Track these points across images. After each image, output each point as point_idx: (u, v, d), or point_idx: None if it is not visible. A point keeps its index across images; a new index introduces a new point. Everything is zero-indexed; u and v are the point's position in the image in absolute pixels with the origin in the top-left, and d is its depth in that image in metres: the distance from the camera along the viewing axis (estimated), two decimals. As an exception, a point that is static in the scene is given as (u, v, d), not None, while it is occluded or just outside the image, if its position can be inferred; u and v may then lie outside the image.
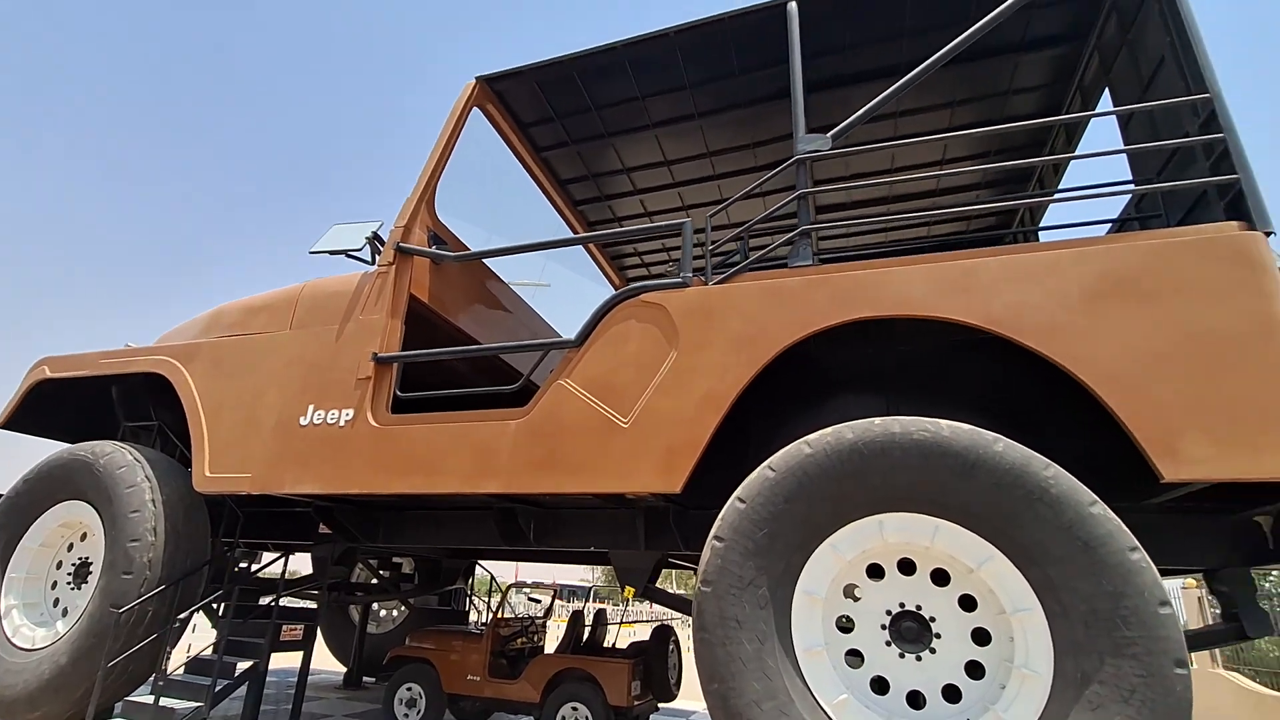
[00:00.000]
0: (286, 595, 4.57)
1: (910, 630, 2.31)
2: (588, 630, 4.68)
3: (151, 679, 3.37)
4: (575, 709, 3.91)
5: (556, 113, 4.25)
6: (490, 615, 4.53)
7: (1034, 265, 2.45)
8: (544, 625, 5.07)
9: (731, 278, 2.86)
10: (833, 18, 3.47)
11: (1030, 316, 2.38)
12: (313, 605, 4.43)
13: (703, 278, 2.93)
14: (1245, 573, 2.51)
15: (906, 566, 2.39)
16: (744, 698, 2.22)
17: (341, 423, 3.34)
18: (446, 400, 3.54)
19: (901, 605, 2.34)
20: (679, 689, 4.53)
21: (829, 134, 2.98)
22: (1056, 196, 3.31)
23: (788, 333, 2.64)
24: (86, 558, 3.83)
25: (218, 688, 3.31)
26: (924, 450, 2.25)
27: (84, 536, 3.93)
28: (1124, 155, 3.29)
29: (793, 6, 3.30)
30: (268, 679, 6.06)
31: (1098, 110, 3.25)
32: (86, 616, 3.40)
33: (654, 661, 4.29)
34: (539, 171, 4.76)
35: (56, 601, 3.84)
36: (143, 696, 3.23)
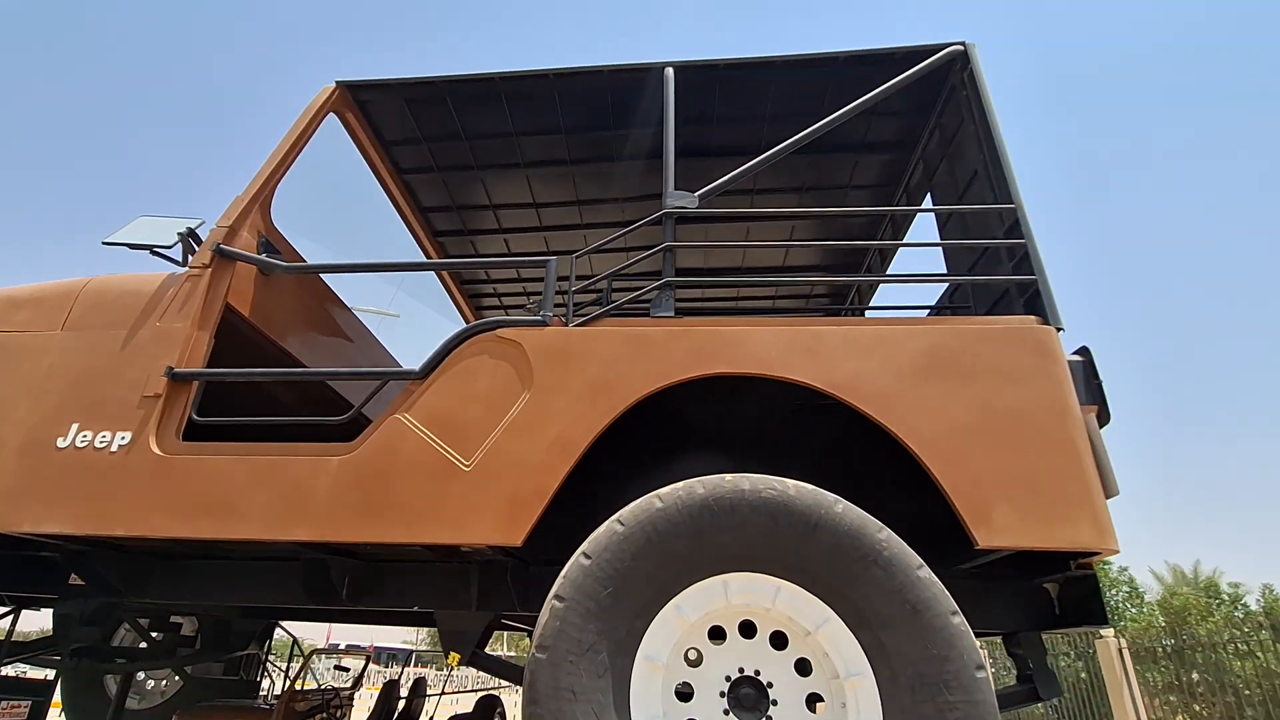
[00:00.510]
0: (14, 662, 3.63)
1: (748, 697, 2.25)
2: (402, 702, 4.17)
3: None
4: (377, 797, 3.40)
5: (424, 135, 4.04)
6: (285, 686, 3.89)
7: (871, 337, 2.61)
8: (351, 697, 4.45)
9: (592, 321, 2.79)
10: (704, 91, 3.65)
11: (868, 384, 2.51)
12: (48, 675, 3.54)
13: (563, 319, 2.82)
14: (1037, 637, 2.75)
15: (747, 629, 2.35)
16: (573, 779, 2.02)
17: (114, 447, 2.77)
18: (255, 431, 3.07)
19: (741, 670, 2.28)
20: (501, 766, 4.14)
21: (696, 194, 3.05)
22: (887, 277, 3.64)
23: (646, 382, 2.58)
24: None
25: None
26: (771, 509, 2.25)
27: None
28: (941, 253, 3.73)
29: (669, 71, 3.42)
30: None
31: (922, 208, 3.65)
32: None
33: (475, 736, 3.89)
34: (398, 194, 4.47)
35: None
36: None
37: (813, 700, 2.24)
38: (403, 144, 4.14)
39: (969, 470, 2.35)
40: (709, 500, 2.29)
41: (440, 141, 4.09)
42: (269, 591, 3.24)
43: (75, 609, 3.40)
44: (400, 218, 4.68)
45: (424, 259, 4.98)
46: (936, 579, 2.14)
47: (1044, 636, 2.85)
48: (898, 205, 4.30)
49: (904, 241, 3.85)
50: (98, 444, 2.80)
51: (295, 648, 6.17)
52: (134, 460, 2.75)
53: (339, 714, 4.26)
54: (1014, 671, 2.78)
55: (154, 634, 5.05)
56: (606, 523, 2.33)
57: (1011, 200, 2.91)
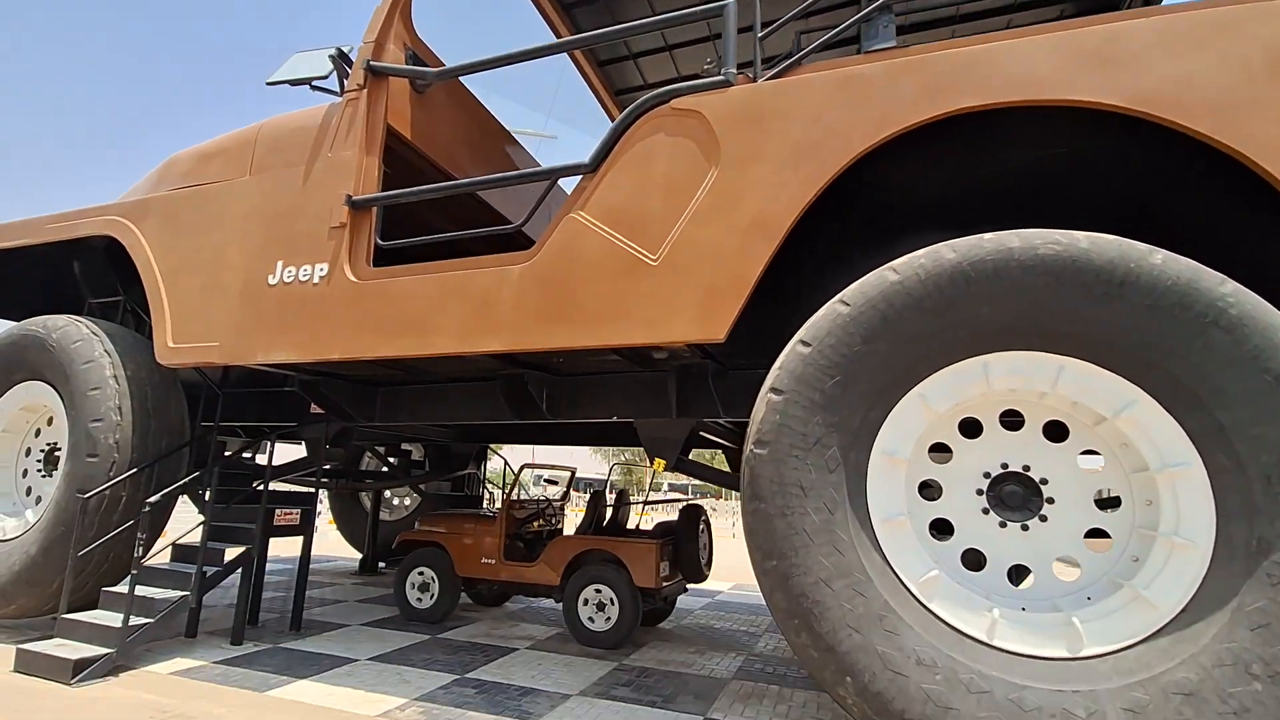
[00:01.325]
0: (283, 480, 4.26)
1: (1014, 496, 1.88)
2: (609, 511, 4.39)
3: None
4: (599, 591, 3.64)
5: None
6: (503, 498, 4.22)
7: (1201, 26, 1.83)
8: (561, 508, 4.79)
9: (788, 71, 2.24)
10: None
11: (1199, 93, 1.79)
12: (309, 490, 4.12)
13: (749, 74, 2.30)
14: None
15: (1011, 420, 1.94)
16: (809, 576, 1.83)
17: (315, 279, 2.84)
18: (435, 250, 3.02)
19: (1004, 466, 1.90)
20: (709, 569, 4.28)
21: None
22: None
23: (865, 134, 2.05)
24: (55, 443, 3.48)
25: (207, 574, 3.01)
26: (1053, 269, 1.72)
27: (50, 420, 3.56)
28: None
29: None
30: (280, 567, 5.98)
31: None
32: (54, 504, 3.07)
33: (684, 541, 4.00)
34: None
35: (29, 490, 3.53)
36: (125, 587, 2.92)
37: (1105, 499, 1.83)
38: None
39: None
40: (963, 266, 1.80)
41: None
42: (476, 409, 3.36)
43: (319, 434, 3.82)
44: (544, 22, 4.20)
45: (576, 74, 4.53)
46: (1313, 341, 1.54)
47: None
48: None
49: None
50: (301, 277, 2.89)
51: (505, 472, 6.81)
52: (334, 289, 2.80)
53: (553, 520, 4.60)
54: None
55: (390, 459, 5.80)
56: (828, 304, 1.95)
57: None
